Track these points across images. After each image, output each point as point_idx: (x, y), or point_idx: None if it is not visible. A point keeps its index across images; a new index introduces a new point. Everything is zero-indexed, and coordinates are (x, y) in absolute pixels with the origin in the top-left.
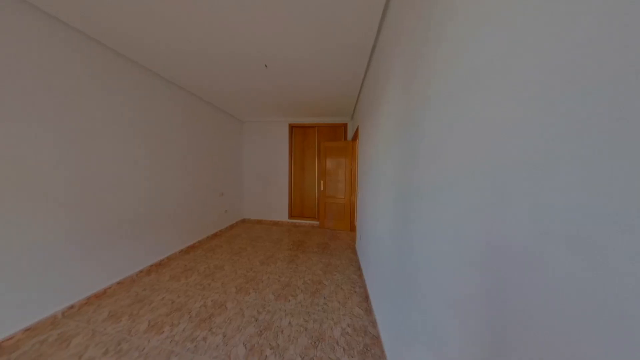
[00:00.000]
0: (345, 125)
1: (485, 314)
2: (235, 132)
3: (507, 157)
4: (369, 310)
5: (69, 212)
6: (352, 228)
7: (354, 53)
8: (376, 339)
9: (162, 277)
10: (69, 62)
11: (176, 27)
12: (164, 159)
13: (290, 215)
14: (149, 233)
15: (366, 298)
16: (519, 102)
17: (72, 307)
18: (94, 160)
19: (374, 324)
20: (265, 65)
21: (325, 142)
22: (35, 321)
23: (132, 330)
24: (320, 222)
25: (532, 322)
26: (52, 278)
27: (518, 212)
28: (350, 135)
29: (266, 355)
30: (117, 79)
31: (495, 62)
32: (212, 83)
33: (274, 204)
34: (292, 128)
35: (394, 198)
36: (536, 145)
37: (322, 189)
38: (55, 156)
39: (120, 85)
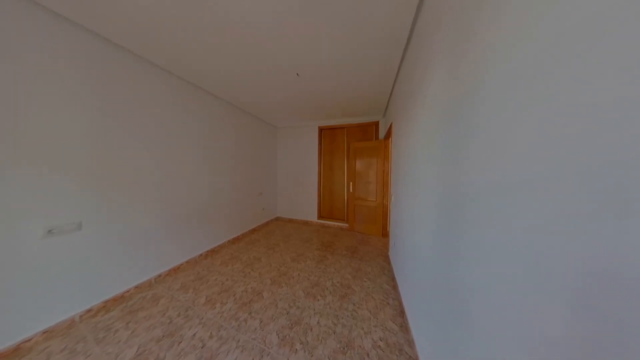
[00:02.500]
0: (376, 124)
1: None
2: (271, 138)
3: (628, 149)
4: (405, 327)
5: (160, 205)
6: (385, 234)
7: (387, 46)
8: None
9: (215, 261)
10: (162, 94)
11: (225, 54)
12: (218, 164)
13: (319, 216)
14: (207, 224)
15: (401, 313)
16: None
17: (159, 275)
18: (173, 167)
19: (411, 344)
20: (297, 74)
21: (354, 143)
22: (140, 282)
23: (195, 302)
24: (350, 224)
25: None
26: (150, 252)
27: None
28: (382, 133)
29: (296, 349)
30: (186, 100)
31: (601, 20)
32: (252, 95)
33: (304, 204)
34: (322, 130)
35: (437, 203)
36: None
37: (351, 190)
38: (152, 165)
39: (189, 105)
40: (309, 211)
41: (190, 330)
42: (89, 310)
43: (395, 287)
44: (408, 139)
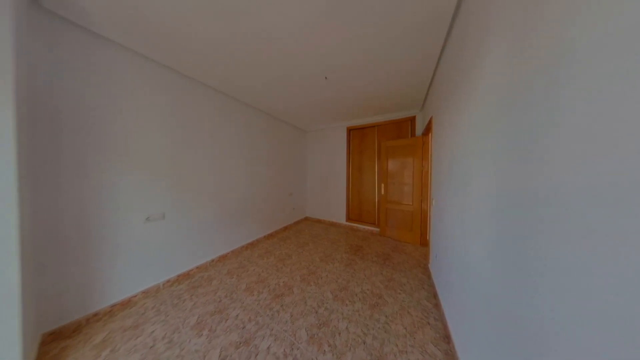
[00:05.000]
0: (412, 119)
1: None
2: (300, 141)
3: None
4: (451, 356)
5: (213, 203)
6: (424, 242)
7: (426, 30)
8: None
9: (253, 253)
10: (213, 110)
11: (261, 68)
12: (255, 167)
13: (348, 218)
14: (247, 220)
15: (446, 338)
16: None
17: (212, 260)
18: (221, 170)
19: None
20: (325, 77)
21: (386, 142)
22: (200, 263)
23: (237, 287)
24: (381, 229)
25: None
26: (206, 240)
27: None
28: (420, 129)
29: (324, 350)
30: (230, 113)
31: None
32: (283, 103)
33: (332, 205)
34: (350, 131)
35: (497, 210)
36: None
37: (382, 192)
38: (207, 169)
39: (232, 117)
40: (337, 213)
41: (234, 311)
42: (168, 281)
43: (437, 305)
44: (454, 133)
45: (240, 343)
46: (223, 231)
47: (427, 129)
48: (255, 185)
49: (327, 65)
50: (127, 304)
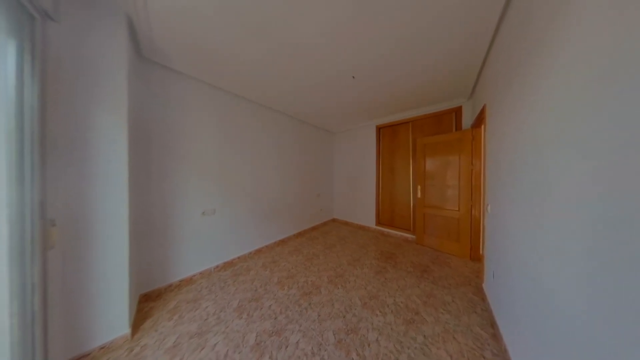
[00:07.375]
0: (457, 110)
1: None
2: (328, 143)
3: None
4: None
5: (251, 201)
6: (475, 256)
7: (476, 3)
8: None
9: (284, 250)
10: (250, 118)
11: (291, 77)
12: (286, 169)
13: (378, 222)
14: (279, 219)
15: None
16: None
17: (250, 252)
18: (257, 172)
19: None
20: (353, 77)
21: (423, 138)
22: (240, 254)
23: (270, 280)
24: (417, 236)
25: None
26: (244, 234)
27: None
28: (468, 121)
29: (352, 358)
30: (264, 120)
31: None
32: (311, 106)
33: (360, 208)
34: (380, 129)
35: (600, 223)
36: None
37: (419, 195)
38: (246, 172)
39: (266, 124)
40: (366, 216)
41: (268, 301)
42: (217, 266)
43: (496, 337)
44: (519, 121)
45: (272, 332)
46: (259, 227)
47: (479, 120)
48: (286, 186)
49: (356, 63)
50: (189, 281)
